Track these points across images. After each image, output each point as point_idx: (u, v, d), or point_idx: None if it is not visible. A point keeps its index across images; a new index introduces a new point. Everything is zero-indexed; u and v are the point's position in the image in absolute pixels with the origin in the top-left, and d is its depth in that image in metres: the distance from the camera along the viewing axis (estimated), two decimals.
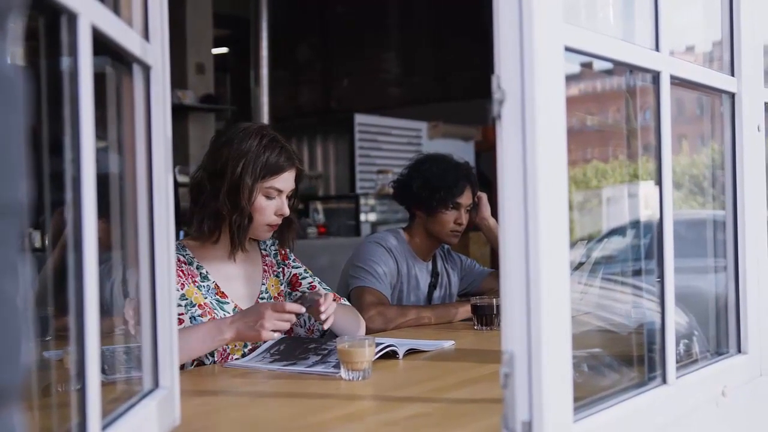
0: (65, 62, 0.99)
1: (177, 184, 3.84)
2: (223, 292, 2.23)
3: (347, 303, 2.49)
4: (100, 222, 1.03)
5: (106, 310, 1.25)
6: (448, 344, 2.32)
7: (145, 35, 1.32)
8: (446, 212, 2.91)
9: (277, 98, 7.76)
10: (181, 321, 2.08)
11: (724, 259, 1.85)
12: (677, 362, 1.52)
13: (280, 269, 2.41)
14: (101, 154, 1.06)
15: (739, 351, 1.78)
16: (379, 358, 2.02)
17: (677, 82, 1.56)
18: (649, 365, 1.54)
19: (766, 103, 1.88)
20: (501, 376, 1.15)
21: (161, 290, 1.35)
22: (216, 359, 2.14)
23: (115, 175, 1.32)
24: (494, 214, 3.07)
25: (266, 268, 2.38)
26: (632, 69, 1.57)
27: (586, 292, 1.86)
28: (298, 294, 2.33)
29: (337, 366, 1.89)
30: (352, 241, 6.50)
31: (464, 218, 2.94)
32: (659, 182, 1.50)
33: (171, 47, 1.40)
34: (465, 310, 2.78)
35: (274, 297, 2.36)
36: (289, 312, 1.98)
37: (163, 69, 1.35)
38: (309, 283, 2.42)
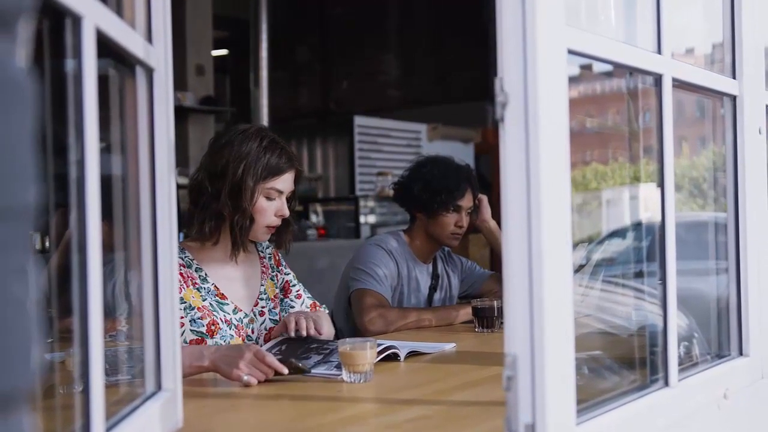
0: (69, 64, 0.99)
1: (176, 186, 3.83)
2: (222, 294, 2.24)
3: (326, 311, 2.49)
4: (102, 224, 1.03)
5: (107, 311, 1.25)
6: (449, 347, 2.32)
7: (148, 37, 1.32)
8: (447, 215, 2.91)
9: (276, 100, 7.76)
10: (181, 324, 2.08)
11: (724, 262, 1.85)
12: (678, 364, 1.52)
13: (275, 273, 2.42)
14: (104, 156, 1.06)
15: (741, 354, 1.78)
16: (380, 360, 2.02)
17: (679, 84, 1.56)
18: (651, 368, 1.54)
19: (767, 106, 1.88)
20: (504, 379, 1.15)
21: (164, 292, 1.35)
22: None
23: (117, 176, 1.32)
24: (494, 216, 3.07)
25: (264, 270, 2.39)
26: (635, 72, 1.57)
27: (586, 295, 1.86)
28: (284, 337, 2.20)
29: (339, 366, 1.89)
30: (351, 243, 6.49)
31: (465, 221, 2.94)
32: (661, 185, 1.50)
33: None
34: (466, 313, 2.78)
35: (272, 298, 2.37)
36: (269, 366, 1.85)
37: (166, 71, 1.35)
38: (297, 291, 2.43)
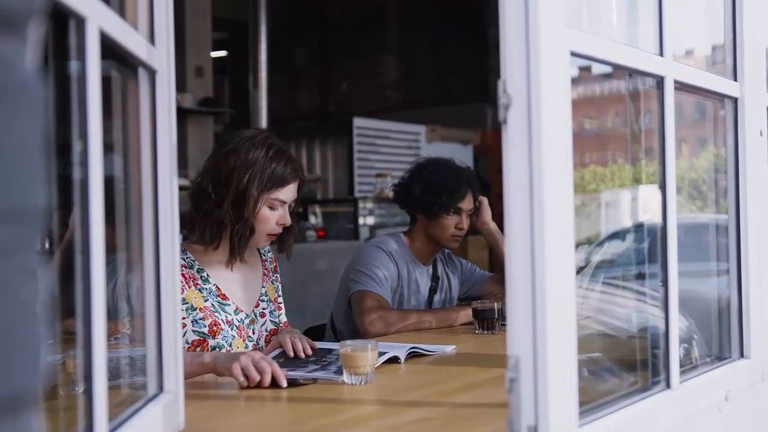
0: (73, 66, 0.99)
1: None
2: (224, 294, 2.24)
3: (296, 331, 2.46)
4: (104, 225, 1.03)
5: (108, 312, 1.25)
6: (449, 348, 2.32)
7: (151, 39, 1.32)
8: (447, 217, 2.91)
9: (275, 101, 7.75)
10: (183, 325, 2.08)
11: (724, 263, 1.85)
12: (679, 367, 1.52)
13: (274, 277, 2.43)
14: (105, 157, 1.06)
15: (742, 356, 1.78)
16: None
17: (680, 86, 1.56)
18: (653, 370, 1.54)
19: None
20: (506, 381, 1.15)
21: (166, 294, 1.35)
22: None
23: (119, 178, 1.32)
24: (493, 217, 3.07)
25: (265, 272, 2.39)
26: (637, 74, 1.58)
27: (586, 297, 1.86)
28: (281, 350, 2.19)
29: (338, 372, 1.89)
30: (350, 244, 6.49)
31: (465, 223, 2.94)
32: (663, 187, 1.50)
33: None
34: (466, 314, 2.78)
35: (273, 300, 2.37)
36: (270, 366, 1.84)
37: (168, 73, 1.35)
38: (279, 303, 2.42)
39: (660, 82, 1.50)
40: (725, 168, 1.83)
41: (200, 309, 2.17)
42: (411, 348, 2.17)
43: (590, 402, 1.30)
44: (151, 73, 1.32)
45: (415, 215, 3.01)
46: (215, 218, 2.18)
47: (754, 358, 1.79)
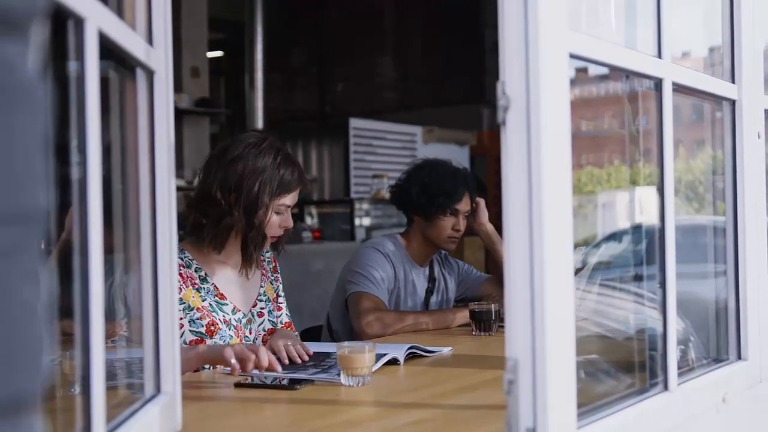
0: (71, 66, 0.98)
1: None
2: (222, 294, 2.24)
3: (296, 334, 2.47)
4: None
5: (105, 312, 1.24)
6: (446, 350, 2.32)
7: (149, 40, 1.32)
8: (444, 218, 2.91)
9: (271, 102, 7.75)
10: (180, 326, 2.08)
11: (721, 265, 1.85)
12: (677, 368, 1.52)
13: (274, 277, 2.42)
14: (103, 158, 1.06)
15: (740, 357, 1.78)
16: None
17: (678, 88, 1.56)
18: (650, 372, 1.54)
19: (766, 110, 1.88)
20: (505, 383, 1.15)
21: (163, 296, 1.34)
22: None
23: (117, 178, 1.32)
24: (490, 218, 3.07)
25: (264, 272, 2.39)
26: (635, 76, 1.58)
27: (584, 298, 1.86)
28: None
29: (337, 375, 1.88)
30: (346, 245, 6.48)
31: (462, 224, 2.94)
32: (661, 189, 1.50)
33: None
34: (463, 316, 2.78)
35: (272, 300, 2.37)
36: (260, 358, 1.86)
37: (166, 74, 1.35)
38: (280, 302, 2.44)
39: (658, 84, 1.50)
40: (722, 170, 1.83)
41: (197, 309, 2.17)
42: (410, 348, 2.17)
43: (588, 404, 1.29)
44: (150, 74, 1.32)
45: (411, 216, 3.01)
46: (225, 225, 2.18)
47: (752, 360, 1.79)
